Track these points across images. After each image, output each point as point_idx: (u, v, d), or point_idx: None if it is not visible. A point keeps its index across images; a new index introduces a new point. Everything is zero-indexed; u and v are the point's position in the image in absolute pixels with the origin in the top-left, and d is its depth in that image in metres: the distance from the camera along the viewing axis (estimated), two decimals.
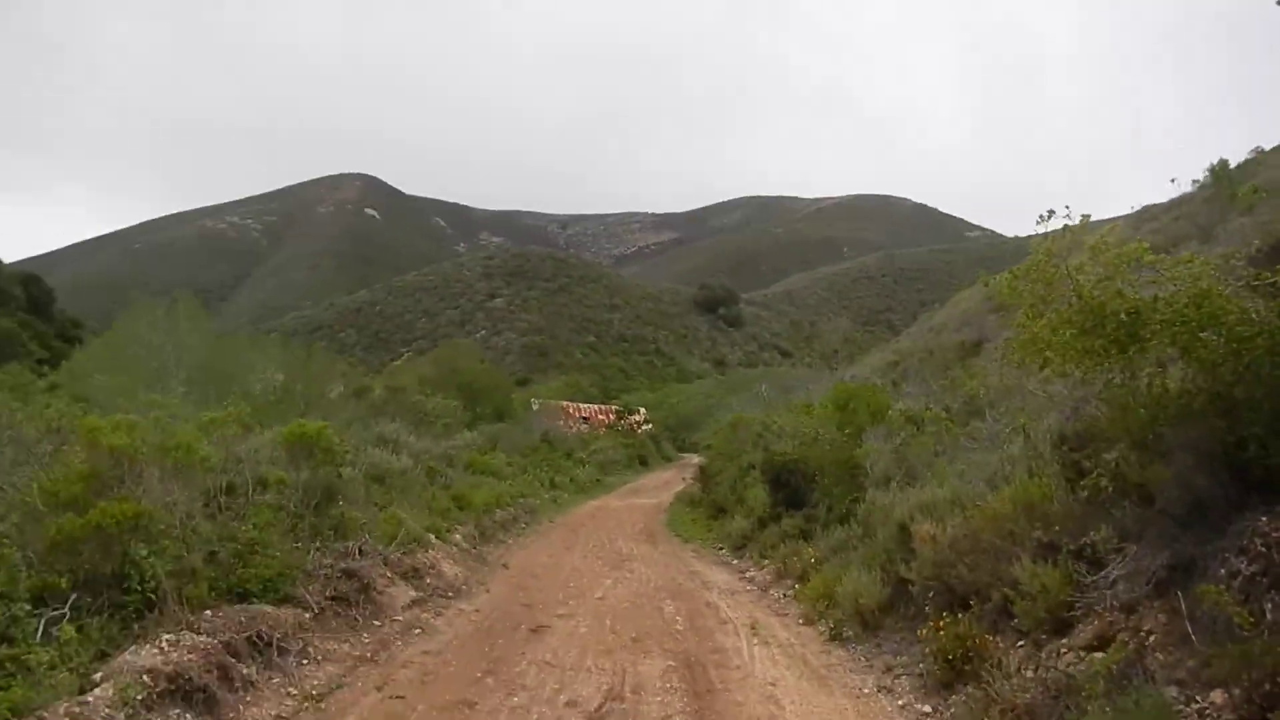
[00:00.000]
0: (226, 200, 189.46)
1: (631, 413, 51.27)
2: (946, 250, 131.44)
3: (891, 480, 11.04)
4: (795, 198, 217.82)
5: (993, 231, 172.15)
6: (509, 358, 74.05)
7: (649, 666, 7.42)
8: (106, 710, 4.91)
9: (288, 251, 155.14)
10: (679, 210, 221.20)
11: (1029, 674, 5.66)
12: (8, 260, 58.29)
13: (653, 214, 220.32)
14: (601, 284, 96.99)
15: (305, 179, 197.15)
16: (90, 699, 4.99)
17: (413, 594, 9.45)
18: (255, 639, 6.52)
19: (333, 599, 8.05)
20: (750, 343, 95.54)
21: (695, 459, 33.99)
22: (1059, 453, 8.13)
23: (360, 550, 9.14)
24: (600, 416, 50.16)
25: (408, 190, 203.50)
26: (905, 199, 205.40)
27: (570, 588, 11.37)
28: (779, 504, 14.30)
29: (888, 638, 7.99)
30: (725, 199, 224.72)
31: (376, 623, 8.36)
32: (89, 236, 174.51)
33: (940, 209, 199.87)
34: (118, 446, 7.02)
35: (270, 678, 6.41)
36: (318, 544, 8.65)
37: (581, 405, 52.10)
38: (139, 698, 5.16)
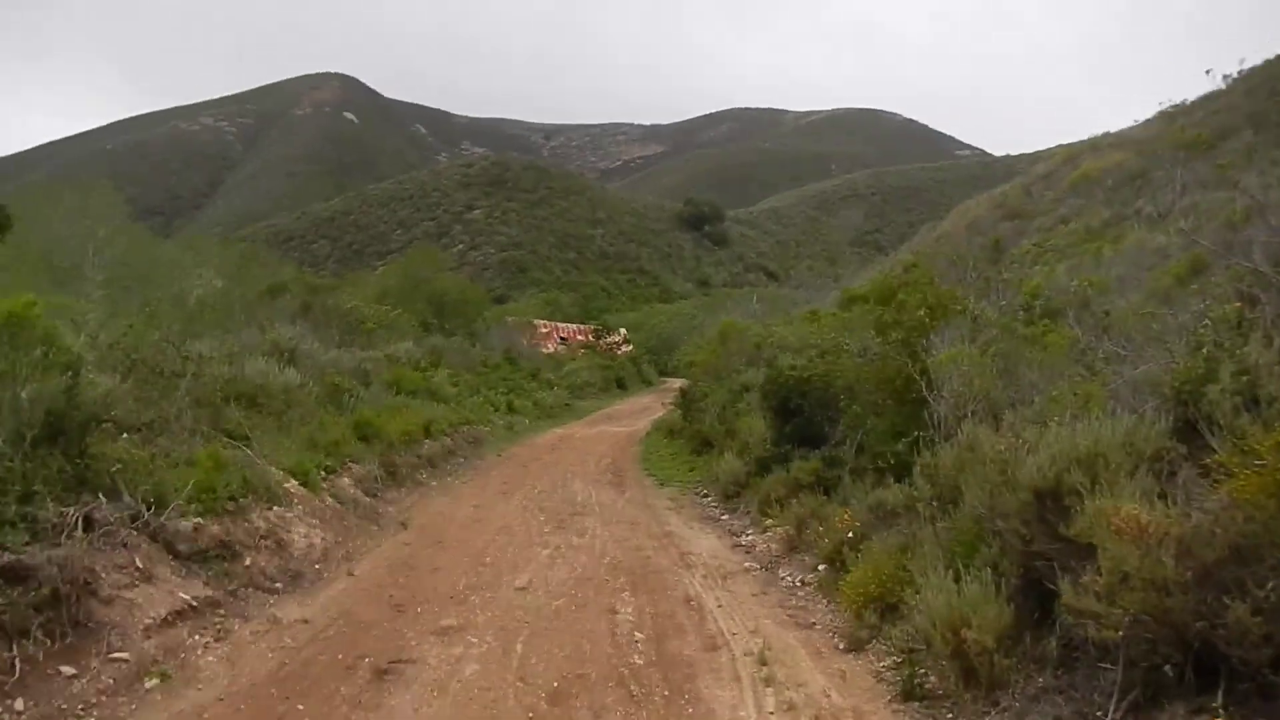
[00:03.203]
0: (199, 100, 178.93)
1: (610, 332, 47.24)
2: (938, 168, 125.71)
3: (967, 407, 7.18)
4: (783, 110, 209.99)
5: (982, 150, 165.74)
6: (487, 273, 69.96)
7: None
8: None
9: (263, 156, 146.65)
10: (666, 122, 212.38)
11: None
12: None
13: (640, 125, 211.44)
14: (584, 197, 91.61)
15: (280, 78, 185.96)
16: None
17: (188, 595, 5.55)
18: None
19: None
20: (736, 263, 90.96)
21: (677, 383, 30.41)
22: None
23: (86, 519, 5.23)
24: (578, 336, 46.28)
25: (388, 94, 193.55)
26: (895, 114, 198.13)
27: (484, 566, 7.59)
28: (786, 439, 10.43)
29: (1023, 709, 4.23)
30: (713, 110, 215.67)
31: (68, 669, 4.45)
32: (59, 137, 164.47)
33: (930, 125, 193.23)
34: None
35: None
36: None
37: (560, 325, 48.16)
38: None
